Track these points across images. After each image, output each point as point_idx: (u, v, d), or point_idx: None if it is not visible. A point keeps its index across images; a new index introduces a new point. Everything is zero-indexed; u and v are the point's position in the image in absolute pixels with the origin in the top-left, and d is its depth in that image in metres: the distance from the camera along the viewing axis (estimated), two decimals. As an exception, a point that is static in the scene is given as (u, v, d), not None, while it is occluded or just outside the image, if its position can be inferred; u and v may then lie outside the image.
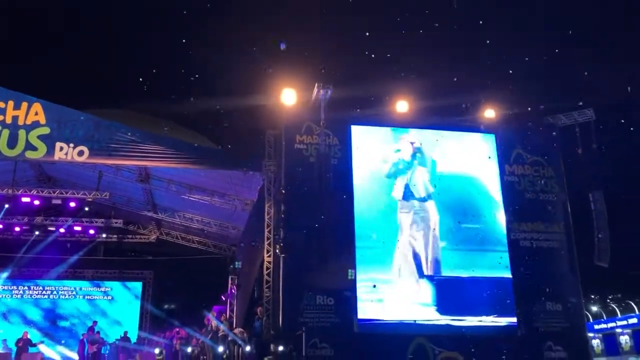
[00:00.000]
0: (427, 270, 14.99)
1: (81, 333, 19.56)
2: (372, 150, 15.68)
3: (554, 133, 16.50)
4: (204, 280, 22.71)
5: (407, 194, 15.48)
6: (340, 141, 15.53)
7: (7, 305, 23.07)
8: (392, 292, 14.64)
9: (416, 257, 15.03)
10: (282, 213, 14.84)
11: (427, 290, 14.84)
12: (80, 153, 14.49)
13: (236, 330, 14.47)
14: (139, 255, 25.06)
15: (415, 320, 14.52)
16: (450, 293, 14.81)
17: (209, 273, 22.87)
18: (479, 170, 15.98)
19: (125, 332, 20.10)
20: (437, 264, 15.07)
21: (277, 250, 14.63)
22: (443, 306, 14.71)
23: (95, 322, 19.87)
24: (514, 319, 14.93)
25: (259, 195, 16.55)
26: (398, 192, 15.47)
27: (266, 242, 15.36)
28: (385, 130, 16.02)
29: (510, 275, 15.20)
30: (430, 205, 15.49)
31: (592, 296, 21.29)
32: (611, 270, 15.50)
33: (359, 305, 14.36)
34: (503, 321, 14.86)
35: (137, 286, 24.48)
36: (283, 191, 14.96)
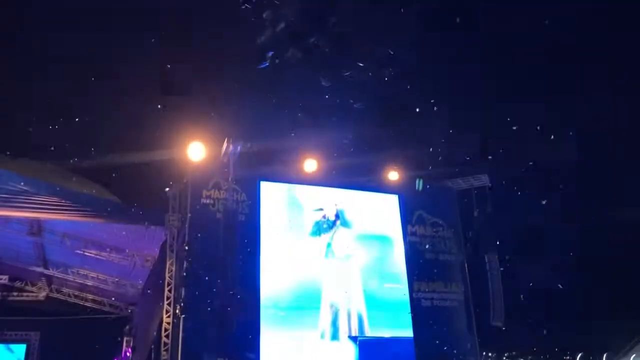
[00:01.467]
0: (352, 331, 14.90)
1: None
2: (281, 208, 15.68)
3: (452, 196, 17.36)
4: (97, 342, 21.18)
5: (329, 253, 15.54)
6: (248, 197, 15.36)
7: None
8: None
9: (340, 318, 14.93)
10: (184, 270, 14.27)
11: (350, 352, 14.67)
12: (-39, 202, 13.39)
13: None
14: (25, 314, 23.03)
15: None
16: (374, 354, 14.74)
17: (102, 334, 21.39)
18: (393, 230, 16.41)
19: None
20: (361, 323, 15.03)
21: (177, 311, 14.02)
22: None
23: None
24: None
25: (161, 252, 15.91)
26: (320, 251, 15.48)
27: (166, 302, 14.61)
28: (294, 188, 16.09)
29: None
30: (353, 265, 15.57)
31: (489, 354, 21.89)
32: (507, 329, 16.06)
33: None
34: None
35: (20, 349, 22.40)
36: (186, 247, 14.42)
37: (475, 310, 16.40)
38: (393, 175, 16.61)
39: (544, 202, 15.99)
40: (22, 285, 22.31)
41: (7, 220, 16.42)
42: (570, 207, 16.51)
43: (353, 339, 14.77)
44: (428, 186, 17.02)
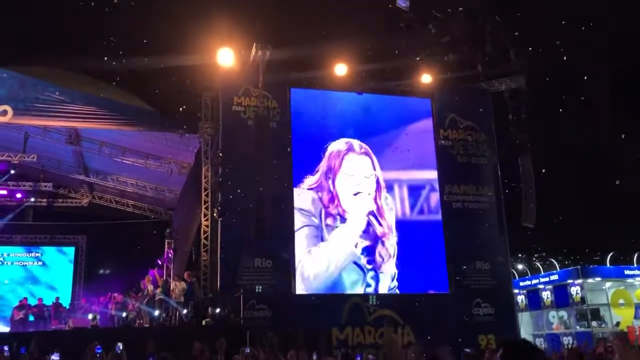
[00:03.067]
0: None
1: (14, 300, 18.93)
2: (312, 114, 15.76)
3: (486, 99, 17.01)
4: (140, 245, 22.25)
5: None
6: (279, 104, 15.49)
7: None
8: (330, 256, 14.93)
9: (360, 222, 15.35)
10: (219, 176, 14.77)
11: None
12: (4, 113, 13.80)
13: (176, 290, 14.37)
14: (71, 219, 24.18)
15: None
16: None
17: (144, 237, 22.41)
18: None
19: (57, 298, 19.52)
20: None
21: (215, 214, 14.67)
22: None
23: (25, 299, 19.28)
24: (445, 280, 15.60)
25: (196, 159, 16.36)
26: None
27: (203, 206, 15.27)
28: (325, 94, 16.09)
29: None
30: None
31: (519, 255, 22.40)
32: (536, 230, 16.29)
33: (298, 268, 14.64)
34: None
35: (70, 251, 23.72)
36: (220, 154, 14.87)
37: (507, 212, 16.57)
38: (426, 78, 16.25)
39: (578, 109, 15.63)
40: (66, 192, 23.33)
41: (46, 129, 16.85)
42: (603, 115, 16.17)
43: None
44: (464, 88, 16.77)
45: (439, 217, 16.14)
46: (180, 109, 15.91)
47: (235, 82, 15.18)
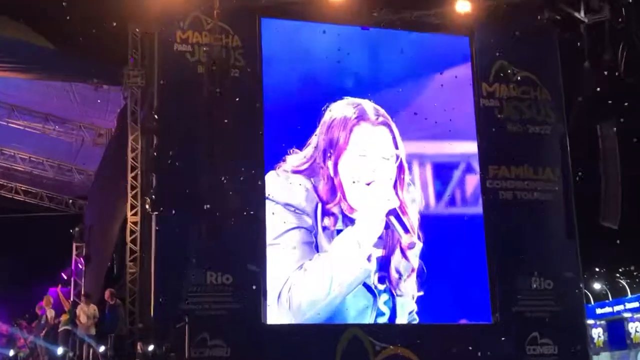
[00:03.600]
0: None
1: None
2: (295, 58, 15.73)
3: (552, 39, 17.05)
4: (35, 250, 22.33)
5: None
6: (244, 42, 15.41)
7: None
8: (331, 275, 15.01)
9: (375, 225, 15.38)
10: (154, 150, 14.78)
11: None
12: None
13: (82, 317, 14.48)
14: None
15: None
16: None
17: (42, 240, 22.48)
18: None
19: None
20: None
21: (148, 206, 14.68)
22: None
23: None
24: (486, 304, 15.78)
25: (119, 123, 16.54)
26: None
27: (130, 194, 15.33)
28: (312, 27, 16.04)
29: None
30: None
31: (596, 270, 22.66)
32: (622, 233, 16.50)
33: (270, 286, 14.65)
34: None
35: None
36: (156, 116, 14.85)
37: (579, 206, 16.65)
38: (462, 6, 16.23)
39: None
40: None
41: None
42: None
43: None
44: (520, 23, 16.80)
45: (477, 210, 16.27)
46: (97, 48, 15.78)
47: (177, 9, 15.09)
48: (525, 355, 15.56)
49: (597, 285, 23.13)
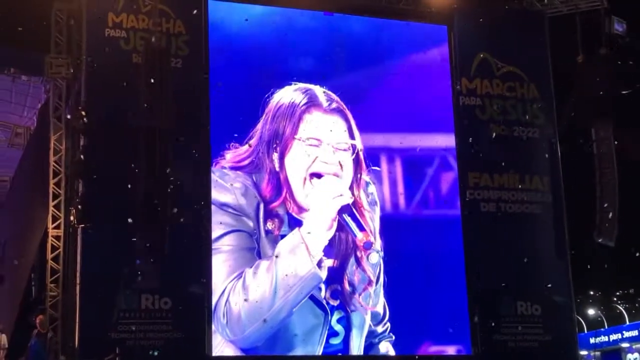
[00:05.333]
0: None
1: None
2: (247, 47, 15.80)
3: (541, 27, 17.18)
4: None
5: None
6: (187, 28, 15.30)
7: None
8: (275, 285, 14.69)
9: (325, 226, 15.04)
10: (81, 152, 14.35)
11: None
12: None
13: None
14: None
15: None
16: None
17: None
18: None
19: None
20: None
21: (73, 218, 14.24)
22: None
23: None
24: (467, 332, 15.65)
25: (40, 120, 16.66)
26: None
27: (52, 204, 14.95)
28: (267, 12, 16.10)
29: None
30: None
31: (591, 293, 22.83)
32: (619, 251, 16.34)
33: (219, 306, 14.39)
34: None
35: None
36: (83, 113, 14.45)
37: (571, 220, 16.65)
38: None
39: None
40: None
41: None
42: None
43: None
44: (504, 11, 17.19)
45: (454, 213, 16.33)
46: (15, 33, 15.55)
47: (110, -11, 14.21)
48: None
49: (591, 311, 23.27)
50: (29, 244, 16.74)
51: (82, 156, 14.41)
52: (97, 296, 13.90)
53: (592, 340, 22.22)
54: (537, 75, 16.99)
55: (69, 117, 15.15)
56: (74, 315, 13.98)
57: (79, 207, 14.10)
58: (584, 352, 19.34)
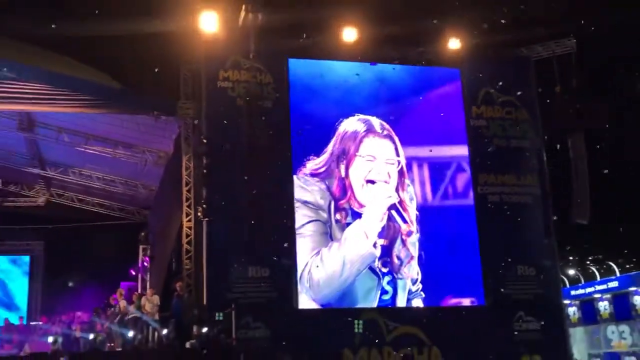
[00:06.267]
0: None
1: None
2: (316, 90, 15.78)
3: (528, 68, 17.05)
4: (109, 252, 22.40)
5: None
6: (275, 79, 15.50)
7: None
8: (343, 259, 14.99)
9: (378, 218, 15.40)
10: (203, 168, 14.88)
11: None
12: (-62, 95, 13.94)
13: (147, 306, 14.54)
14: (25, 222, 24.33)
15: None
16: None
17: (114, 243, 22.58)
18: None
19: (6, 320, 19.70)
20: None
21: (199, 214, 14.80)
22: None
23: None
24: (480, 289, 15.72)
25: (175, 147, 16.55)
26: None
27: (185, 204, 15.43)
28: (331, 65, 16.12)
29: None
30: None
31: (570, 258, 22.55)
32: (591, 227, 16.31)
33: (303, 274, 14.73)
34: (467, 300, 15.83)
35: (25, 260, 24.01)
36: (204, 140, 14.99)
37: (555, 206, 16.63)
38: (454, 44, 16.33)
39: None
40: (18, 189, 23.45)
41: (-8, 114, 17.00)
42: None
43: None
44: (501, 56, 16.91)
45: (469, 203, 16.24)
46: (156, 86, 15.93)
47: (221, 53, 15.24)
48: (513, 331, 15.48)
49: (571, 271, 22.97)
50: (170, 233, 17.06)
51: (204, 170, 14.94)
52: (218, 268, 14.40)
53: (572, 293, 21.86)
54: (526, 102, 16.89)
55: (194, 144, 15.51)
56: (202, 282, 14.49)
57: (204, 206, 14.72)
58: (566, 301, 19.16)
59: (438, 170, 16.28)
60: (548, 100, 16.82)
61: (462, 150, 16.50)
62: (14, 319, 21.15)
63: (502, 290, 15.70)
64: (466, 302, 15.81)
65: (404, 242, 15.46)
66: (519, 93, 16.82)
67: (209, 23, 14.92)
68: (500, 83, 16.71)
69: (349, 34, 15.77)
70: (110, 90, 15.64)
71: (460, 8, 15.35)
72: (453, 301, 15.70)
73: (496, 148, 16.55)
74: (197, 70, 15.61)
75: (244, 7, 14.66)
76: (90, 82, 15.50)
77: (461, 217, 16.18)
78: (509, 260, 15.87)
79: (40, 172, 21.76)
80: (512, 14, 15.31)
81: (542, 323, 15.69)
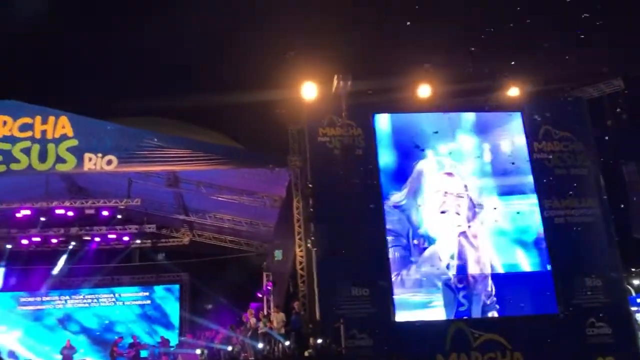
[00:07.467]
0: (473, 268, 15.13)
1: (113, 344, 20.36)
2: (398, 137, 15.76)
3: (581, 107, 16.37)
4: (239, 279, 23.01)
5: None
6: (363, 131, 15.61)
7: (51, 314, 23.80)
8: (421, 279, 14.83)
9: (450, 243, 15.17)
10: (310, 207, 15.08)
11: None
12: (109, 162, 14.88)
13: (274, 322, 14.72)
14: (175, 257, 25.45)
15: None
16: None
17: (243, 271, 23.17)
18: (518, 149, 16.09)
19: (162, 337, 20.59)
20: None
21: (309, 245, 14.91)
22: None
23: (120, 338, 20.64)
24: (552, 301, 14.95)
25: (287, 191, 16.74)
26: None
27: (297, 237, 15.55)
28: (409, 116, 16.08)
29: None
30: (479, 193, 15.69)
31: (633, 269, 21.11)
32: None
33: (396, 296, 14.56)
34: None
35: (176, 288, 24.94)
36: (310, 185, 15.18)
37: (616, 223, 15.77)
38: (513, 92, 15.97)
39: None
40: (168, 232, 24.62)
41: (147, 175, 18.01)
42: None
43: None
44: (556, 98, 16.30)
45: (537, 225, 15.54)
46: (268, 144, 16.59)
47: (319, 114, 15.51)
48: (586, 336, 14.64)
49: (636, 282, 21.50)
50: (287, 261, 17.28)
51: (311, 209, 15.13)
52: (327, 289, 14.42)
53: (638, 300, 20.36)
54: (582, 136, 16.08)
55: (302, 188, 15.67)
56: (315, 301, 14.55)
57: (312, 238, 14.84)
58: (634, 308, 17.85)
59: (506, 198, 15.69)
60: (601, 134, 16.04)
61: (528, 180, 15.84)
62: (171, 337, 22.12)
63: (573, 301, 14.87)
64: (540, 312, 14.99)
65: (477, 261, 15.04)
66: (574, 129, 16.10)
67: (309, 91, 15.40)
68: (557, 121, 16.10)
69: (424, 90, 15.79)
70: (236, 150, 16.40)
71: (517, 60, 15.09)
72: (527, 311, 14.91)
73: (558, 176, 15.83)
74: (301, 129, 15.88)
75: (336, 77, 15.00)
76: (219, 145, 16.32)
77: (531, 237, 15.47)
78: (578, 273, 15.05)
79: (184, 218, 22.72)
80: (564, 67, 14.84)
81: (613, 328, 14.67)
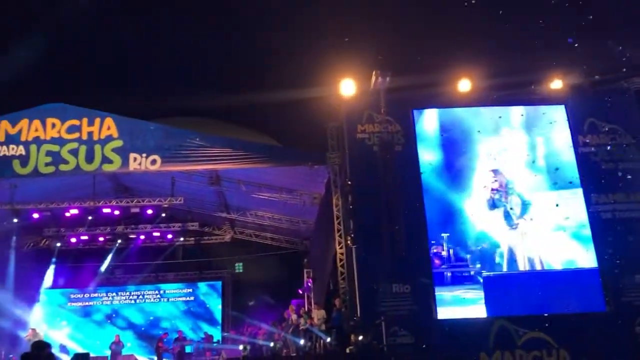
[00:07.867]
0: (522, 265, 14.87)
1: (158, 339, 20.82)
2: (438, 133, 15.51)
3: (629, 98, 15.78)
4: (280, 275, 23.22)
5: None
6: (402, 127, 15.42)
7: (99, 311, 24.42)
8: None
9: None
10: (349, 204, 14.98)
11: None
12: (153, 162, 15.22)
13: (315, 319, 14.75)
14: (217, 255, 25.85)
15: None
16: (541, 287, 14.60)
17: (284, 268, 23.37)
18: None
19: (206, 333, 20.90)
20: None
21: (349, 242, 14.83)
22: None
23: (166, 334, 20.99)
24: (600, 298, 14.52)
25: (326, 188, 16.75)
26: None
27: (337, 234, 15.52)
28: (448, 111, 15.82)
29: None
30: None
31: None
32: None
33: (438, 293, 14.37)
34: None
35: (218, 285, 25.18)
36: (349, 182, 15.06)
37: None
38: (557, 84, 15.52)
39: None
40: (211, 230, 25.05)
41: (189, 174, 18.11)
42: None
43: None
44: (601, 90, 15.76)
45: (584, 220, 15.11)
46: (307, 142, 16.65)
47: (358, 111, 15.42)
48: (636, 334, 14.09)
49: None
50: (327, 258, 17.27)
51: (350, 206, 15.02)
52: (367, 286, 14.30)
53: None
54: (630, 127, 15.49)
55: (341, 185, 15.62)
56: (355, 298, 14.46)
57: (352, 235, 14.71)
58: None
59: (554, 194, 15.20)
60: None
61: (574, 174, 15.34)
62: (215, 332, 22.44)
63: (622, 299, 14.33)
64: (586, 309, 14.54)
65: (524, 258, 14.74)
66: (622, 121, 15.53)
67: (348, 88, 15.33)
68: (603, 113, 15.59)
69: (464, 85, 15.48)
70: (275, 148, 16.49)
71: (560, 51, 14.68)
72: (573, 309, 14.44)
73: (605, 170, 15.30)
74: (340, 126, 15.83)
75: (374, 73, 14.92)
76: (258, 144, 16.45)
77: (578, 234, 15.04)
78: (627, 270, 14.44)
79: (226, 215, 23.00)
80: (608, 53, 14.34)
81: (663, 325, 14.16)
